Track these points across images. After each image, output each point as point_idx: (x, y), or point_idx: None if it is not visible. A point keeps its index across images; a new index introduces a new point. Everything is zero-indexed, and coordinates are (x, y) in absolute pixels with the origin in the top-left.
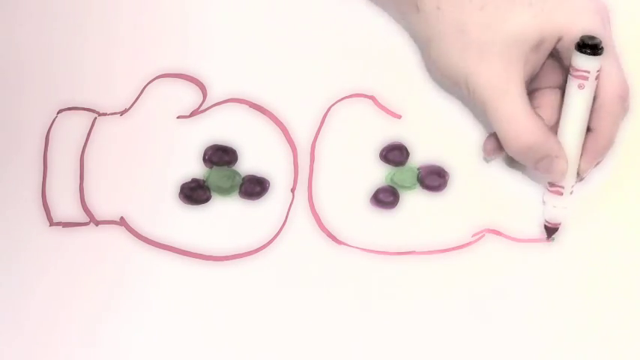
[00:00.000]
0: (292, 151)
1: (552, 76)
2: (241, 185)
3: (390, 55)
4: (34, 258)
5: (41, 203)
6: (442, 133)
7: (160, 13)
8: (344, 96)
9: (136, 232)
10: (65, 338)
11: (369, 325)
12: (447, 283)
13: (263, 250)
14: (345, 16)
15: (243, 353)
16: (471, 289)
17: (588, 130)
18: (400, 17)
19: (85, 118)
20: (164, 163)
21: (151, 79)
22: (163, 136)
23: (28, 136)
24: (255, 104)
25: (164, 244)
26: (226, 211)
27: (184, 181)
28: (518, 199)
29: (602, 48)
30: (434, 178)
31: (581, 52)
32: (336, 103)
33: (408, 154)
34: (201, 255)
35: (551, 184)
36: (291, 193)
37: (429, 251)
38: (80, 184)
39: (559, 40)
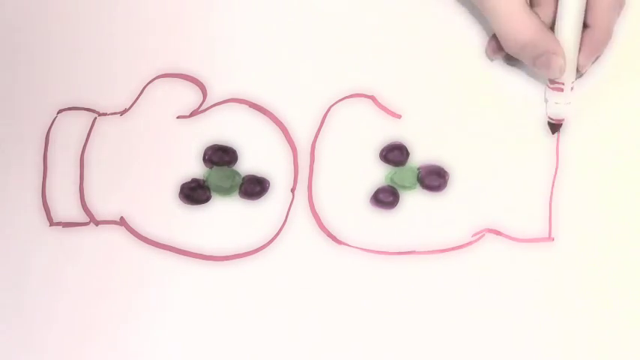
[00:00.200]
0: (292, 151)
1: None
2: (241, 185)
3: (390, 55)
4: (34, 258)
5: (41, 203)
6: (442, 133)
7: (160, 13)
8: (344, 96)
9: (136, 232)
10: (65, 338)
11: (369, 325)
12: (447, 283)
13: (263, 250)
14: (345, 16)
15: (243, 353)
16: (471, 289)
17: (585, 26)
18: None
19: (85, 118)
20: (164, 163)
21: (151, 79)
22: (163, 136)
23: (28, 136)
24: (255, 104)
25: (164, 244)
26: (226, 211)
27: (184, 181)
28: (518, 199)
29: None
30: (434, 178)
31: None
32: (336, 103)
33: (408, 154)
34: (201, 255)
35: (552, 82)
36: (291, 193)
37: (429, 251)
38: (80, 184)
39: None
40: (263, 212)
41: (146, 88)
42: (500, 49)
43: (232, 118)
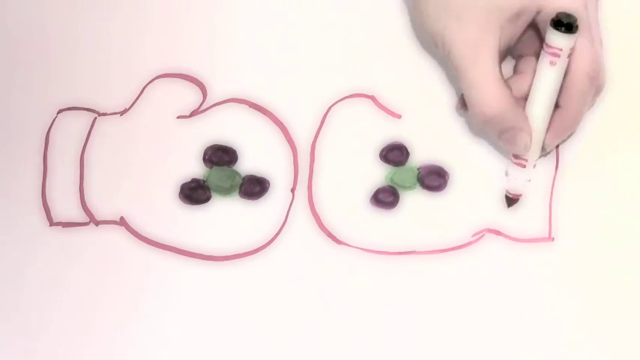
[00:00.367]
0: (292, 151)
1: (535, 45)
2: (241, 185)
3: (390, 55)
4: (34, 258)
5: (41, 203)
6: (442, 133)
7: (161, 13)
8: (344, 96)
9: (136, 232)
10: (65, 338)
11: (369, 324)
12: (447, 283)
13: (263, 250)
14: (345, 15)
15: (243, 353)
16: (471, 289)
17: (557, 106)
18: None
19: (85, 118)
20: (164, 163)
21: (151, 79)
22: (163, 136)
23: (28, 136)
24: (255, 104)
25: (164, 244)
26: (226, 211)
27: (184, 181)
28: (518, 199)
29: (577, 27)
30: (434, 178)
31: (556, 28)
32: (336, 103)
33: (408, 154)
34: (201, 255)
35: (516, 157)
36: (291, 193)
37: (429, 251)
38: (80, 184)
39: (538, 12)
40: (263, 212)
41: (146, 88)
42: (462, 107)
43: (232, 118)
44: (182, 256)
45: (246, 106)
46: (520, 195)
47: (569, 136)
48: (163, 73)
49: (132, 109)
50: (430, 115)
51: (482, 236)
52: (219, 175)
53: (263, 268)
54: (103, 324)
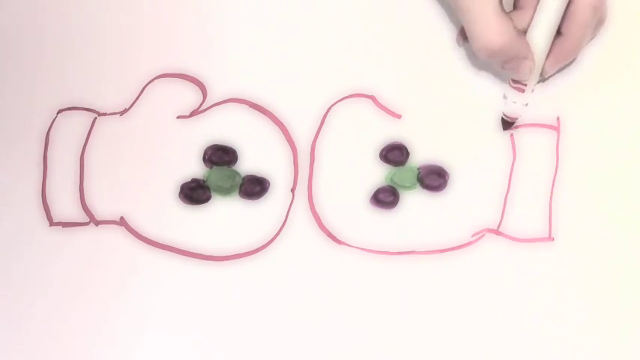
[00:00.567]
0: (292, 151)
1: None
2: (241, 185)
3: (390, 55)
4: (34, 258)
5: (41, 203)
6: (442, 133)
7: (161, 13)
8: (344, 96)
9: (136, 232)
10: (65, 338)
11: (369, 324)
12: (447, 283)
13: (263, 250)
14: (345, 15)
15: (243, 353)
16: (471, 289)
17: (559, 33)
18: None
19: (85, 118)
20: (164, 163)
21: (150, 79)
22: (163, 136)
23: (28, 136)
24: (255, 104)
25: (164, 244)
26: (226, 211)
27: (184, 181)
28: (519, 199)
29: None
30: (434, 178)
31: None
32: (336, 103)
33: (408, 154)
34: (201, 255)
35: (515, 81)
36: (291, 193)
37: (429, 251)
38: (80, 184)
39: None
40: (263, 212)
41: (146, 88)
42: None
43: (232, 118)
44: (182, 256)
45: (246, 106)
46: (516, 118)
47: (567, 65)
48: (163, 73)
49: (132, 109)
50: (430, 115)
51: (482, 236)
52: (219, 175)
53: (263, 268)
54: (103, 324)
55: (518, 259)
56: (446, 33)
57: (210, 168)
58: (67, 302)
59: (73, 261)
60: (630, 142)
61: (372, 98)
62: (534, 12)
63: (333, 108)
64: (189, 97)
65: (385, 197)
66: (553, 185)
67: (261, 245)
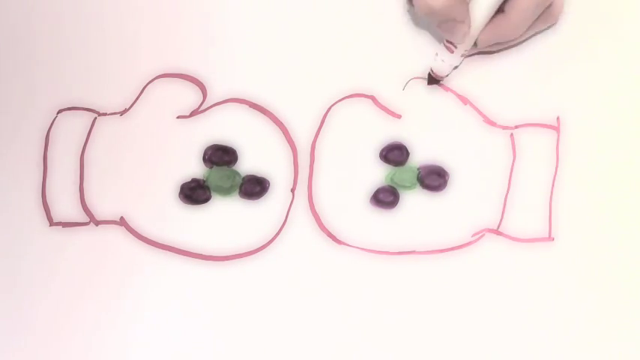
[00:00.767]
0: (292, 151)
1: None
2: (241, 185)
3: (390, 55)
4: (34, 258)
5: (41, 203)
6: (442, 133)
7: (161, 13)
8: (344, 96)
9: (136, 232)
10: (65, 338)
11: (369, 324)
12: (447, 283)
13: (263, 250)
14: (345, 15)
15: (243, 353)
16: (471, 289)
17: (502, 10)
18: None
19: (85, 118)
20: (164, 163)
21: (150, 79)
22: (163, 136)
23: (28, 136)
24: (255, 104)
25: (164, 244)
26: (226, 211)
27: (184, 181)
28: (519, 199)
29: None
30: (434, 178)
31: None
32: (336, 103)
33: (408, 154)
34: (201, 255)
35: (448, 40)
36: (291, 193)
37: (429, 251)
38: (80, 184)
39: None
40: (263, 212)
41: (146, 88)
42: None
43: (232, 118)
44: (182, 256)
45: (246, 106)
46: (442, 77)
47: (504, 46)
48: (163, 73)
49: (132, 109)
50: (430, 115)
51: (482, 236)
52: (219, 175)
53: (263, 268)
54: (104, 324)
55: (518, 259)
56: None
57: (210, 168)
58: (68, 302)
59: (73, 261)
60: (630, 142)
61: (372, 98)
62: None
63: (333, 108)
64: (189, 97)
65: (385, 197)
66: (553, 185)
67: (261, 245)
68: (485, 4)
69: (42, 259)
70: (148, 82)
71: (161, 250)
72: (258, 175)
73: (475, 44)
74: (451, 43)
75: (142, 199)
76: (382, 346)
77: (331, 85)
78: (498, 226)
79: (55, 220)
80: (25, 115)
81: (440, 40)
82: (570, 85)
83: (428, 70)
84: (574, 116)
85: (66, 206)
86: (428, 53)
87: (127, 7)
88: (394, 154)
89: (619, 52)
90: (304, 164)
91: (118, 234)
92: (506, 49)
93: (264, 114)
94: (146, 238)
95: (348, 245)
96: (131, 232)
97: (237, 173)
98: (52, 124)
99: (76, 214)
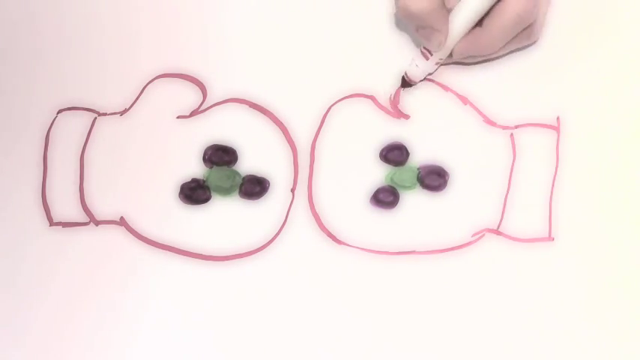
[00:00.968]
0: (292, 151)
1: None
2: (241, 185)
3: (390, 55)
4: (34, 258)
5: (41, 203)
6: (442, 133)
7: (161, 13)
8: (344, 96)
9: (136, 232)
10: (65, 337)
11: (369, 324)
12: (447, 283)
13: (263, 250)
14: (345, 15)
15: (243, 353)
16: (471, 289)
17: (480, 23)
18: None
19: (85, 118)
20: (164, 163)
21: (150, 79)
22: (163, 136)
23: (28, 136)
24: (255, 104)
25: (164, 244)
26: (226, 211)
27: (184, 181)
28: (519, 199)
29: None
30: (434, 178)
31: None
32: (336, 103)
33: (408, 154)
34: (201, 255)
35: (425, 47)
36: (291, 193)
37: (429, 251)
38: (80, 184)
39: None
40: (263, 212)
41: (146, 88)
42: None
43: (232, 118)
44: (182, 256)
45: (246, 106)
46: (415, 82)
47: (479, 60)
48: (163, 73)
49: (132, 109)
50: (430, 115)
51: (482, 236)
52: (219, 175)
53: (263, 268)
54: (104, 323)
55: (518, 259)
56: None
57: (210, 168)
58: (68, 302)
59: (73, 261)
60: (630, 142)
61: (372, 98)
62: None
63: (333, 108)
64: (189, 97)
65: (385, 197)
66: (553, 185)
67: (261, 245)
68: (465, 16)
69: (42, 259)
70: (148, 82)
71: (161, 250)
72: (258, 175)
73: (451, 54)
74: (427, 50)
75: (142, 199)
76: (382, 345)
77: (331, 85)
78: (498, 226)
79: (55, 220)
80: (25, 115)
81: (418, 45)
82: (570, 85)
83: (402, 74)
84: (574, 116)
85: (66, 206)
86: None
87: (126, 7)
88: (394, 154)
89: (619, 52)
90: (304, 164)
91: (118, 234)
92: (481, 62)
93: (264, 114)
94: (146, 238)
95: (348, 245)
96: (131, 232)
97: (237, 173)
98: (52, 124)
99: (76, 214)
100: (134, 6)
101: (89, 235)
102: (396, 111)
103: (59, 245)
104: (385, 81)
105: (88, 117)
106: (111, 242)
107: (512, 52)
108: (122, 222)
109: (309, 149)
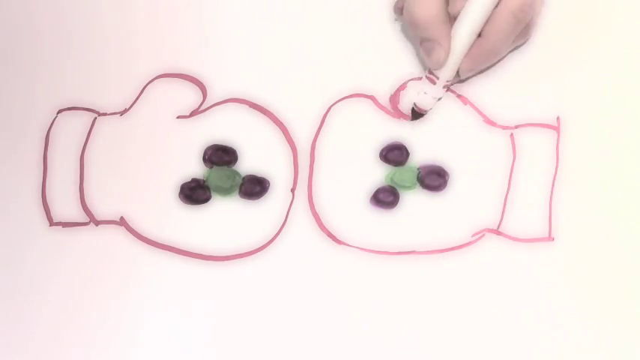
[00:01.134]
0: (292, 151)
1: None
2: (241, 185)
3: (390, 55)
4: (34, 258)
5: (41, 203)
6: (442, 133)
7: (161, 13)
8: (344, 96)
9: (136, 232)
10: (65, 338)
11: (369, 324)
12: (447, 283)
13: (263, 250)
14: (345, 15)
15: (243, 353)
16: (471, 289)
17: (480, 35)
18: None
19: (85, 118)
20: (164, 163)
21: (150, 79)
22: (163, 136)
23: (28, 136)
24: (255, 104)
25: (164, 244)
26: (226, 211)
27: (184, 181)
28: (519, 199)
29: None
30: (434, 178)
31: None
32: (336, 103)
33: (408, 154)
34: (201, 255)
35: (430, 72)
36: (291, 193)
37: (429, 251)
38: (80, 184)
39: None
40: (263, 212)
41: (146, 88)
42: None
43: (232, 118)
44: (182, 256)
45: (246, 106)
46: (425, 110)
47: (485, 69)
48: (163, 73)
49: (132, 109)
50: (430, 115)
51: (482, 236)
52: (219, 175)
53: (263, 268)
54: (104, 323)
55: (518, 259)
56: None
57: (210, 168)
58: (68, 302)
59: (73, 261)
60: (630, 142)
61: (372, 98)
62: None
63: (333, 108)
64: (189, 97)
65: (385, 197)
66: (553, 185)
67: (261, 245)
68: (465, 28)
69: (42, 259)
70: (148, 82)
71: (161, 250)
72: (258, 175)
73: (457, 74)
74: (432, 74)
75: (142, 199)
76: (382, 345)
77: (331, 85)
78: (498, 226)
79: (55, 220)
80: (25, 115)
81: (422, 67)
82: (570, 85)
83: (412, 106)
84: (574, 116)
85: (66, 206)
86: None
87: (127, 7)
88: (394, 154)
89: (619, 52)
90: (304, 164)
91: (118, 234)
92: (485, 70)
93: (264, 114)
94: (146, 238)
95: (348, 245)
96: (131, 232)
97: (237, 173)
98: (52, 124)
99: (76, 214)
100: (134, 6)
101: (89, 235)
102: (396, 111)
103: (59, 245)
104: (385, 81)
105: (88, 117)
106: (111, 242)
107: (508, 52)
108: (122, 222)
109: (309, 149)
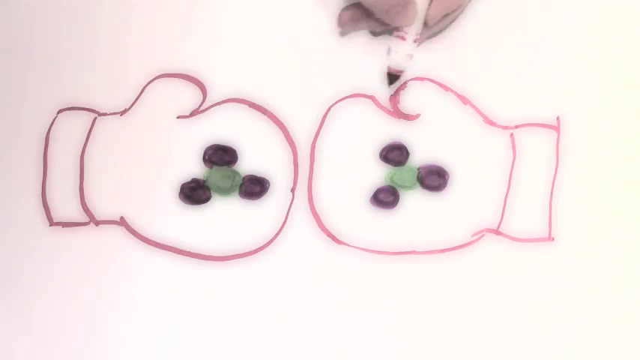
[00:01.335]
0: (292, 151)
1: None
2: (241, 185)
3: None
4: (34, 258)
5: (41, 203)
6: (442, 133)
7: (161, 13)
8: (344, 96)
9: (136, 232)
10: (65, 337)
11: (369, 324)
12: (447, 283)
13: (263, 250)
14: None
15: (243, 353)
16: (471, 289)
17: None
18: None
19: (85, 118)
20: (164, 163)
21: (150, 79)
22: (163, 136)
23: (28, 136)
24: (255, 104)
25: (164, 244)
26: (226, 211)
27: (184, 181)
28: (519, 199)
29: None
30: (434, 178)
31: None
32: (336, 103)
33: (408, 154)
34: (201, 255)
35: (397, 29)
36: (291, 193)
37: (429, 251)
38: (80, 184)
39: None
40: (263, 212)
41: (146, 88)
42: (354, 21)
43: (232, 118)
44: (182, 256)
45: (246, 106)
46: (402, 72)
47: (452, 18)
48: (163, 73)
49: (132, 109)
50: (430, 115)
51: (482, 236)
52: (219, 175)
53: (263, 268)
54: (103, 323)
55: (518, 259)
56: (446, 32)
57: (210, 168)
58: (67, 302)
59: (73, 261)
60: (630, 142)
61: (372, 98)
62: None
63: (333, 108)
64: (189, 97)
65: (385, 197)
66: (553, 185)
67: (261, 245)
68: None
69: (42, 259)
70: (148, 82)
71: (161, 250)
72: (258, 175)
73: (425, 23)
74: (400, 30)
75: (142, 199)
76: (382, 345)
77: (331, 85)
78: (498, 226)
79: (55, 220)
80: (25, 115)
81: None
82: (570, 85)
83: (385, 70)
84: (574, 116)
85: (66, 206)
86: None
87: (127, 7)
88: (394, 154)
89: (619, 52)
90: (304, 164)
91: (118, 234)
92: (453, 21)
93: (264, 114)
94: (146, 238)
95: (348, 245)
96: (131, 232)
97: (237, 173)
98: (52, 124)
99: (76, 214)
100: (134, 6)
101: (89, 235)
102: (396, 111)
103: (59, 245)
104: (385, 81)
105: (88, 117)
106: (111, 242)
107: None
108: (122, 222)
109: (309, 149)
